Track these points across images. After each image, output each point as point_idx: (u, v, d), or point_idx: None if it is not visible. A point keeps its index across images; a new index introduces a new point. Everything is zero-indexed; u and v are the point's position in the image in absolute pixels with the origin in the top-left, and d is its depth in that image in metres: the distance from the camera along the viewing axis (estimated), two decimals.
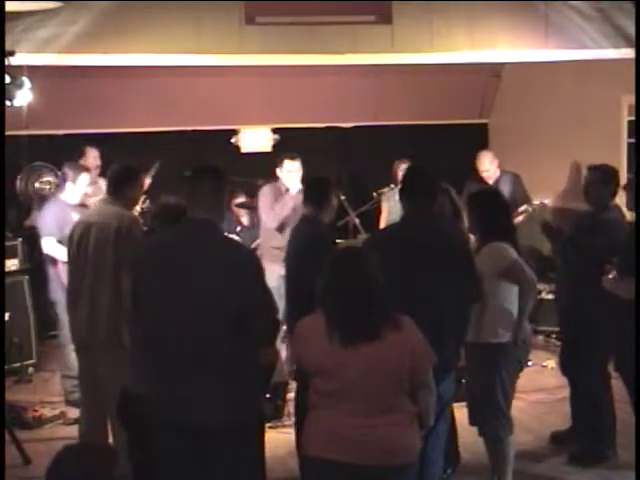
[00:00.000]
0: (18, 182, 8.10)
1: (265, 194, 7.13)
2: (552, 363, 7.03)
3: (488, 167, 7.87)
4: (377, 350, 3.34)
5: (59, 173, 8.05)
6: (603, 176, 5.26)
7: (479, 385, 4.76)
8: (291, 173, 6.98)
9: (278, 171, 7.13)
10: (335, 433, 3.37)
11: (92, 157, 7.93)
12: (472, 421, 4.85)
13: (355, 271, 3.42)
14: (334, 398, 3.38)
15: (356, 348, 3.33)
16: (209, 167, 3.95)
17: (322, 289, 3.46)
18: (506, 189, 7.53)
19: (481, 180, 7.95)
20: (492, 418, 4.73)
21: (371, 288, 3.39)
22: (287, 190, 6.97)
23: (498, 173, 7.91)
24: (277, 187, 7.10)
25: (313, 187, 5.41)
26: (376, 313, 3.38)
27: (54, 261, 6.59)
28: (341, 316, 3.38)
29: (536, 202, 7.54)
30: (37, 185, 8.12)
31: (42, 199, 7.98)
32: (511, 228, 4.94)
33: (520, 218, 7.42)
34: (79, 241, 5.06)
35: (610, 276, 4.82)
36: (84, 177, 6.66)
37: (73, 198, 6.63)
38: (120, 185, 5.12)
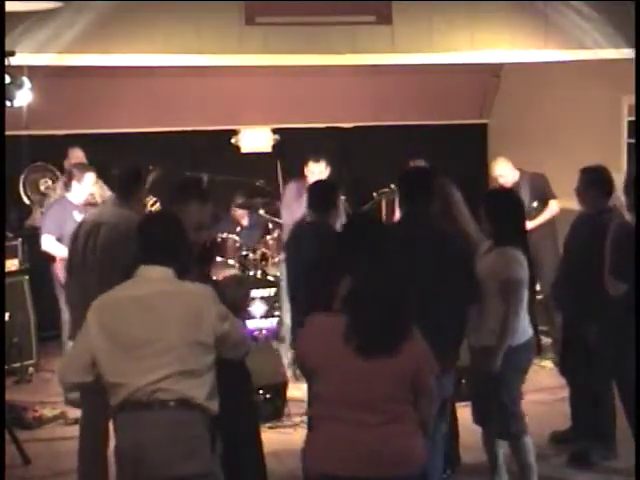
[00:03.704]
0: (21, 183, 8.15)
1: (288, 191, 7.23)
2: (549, 363, 7.09)
3: (502, 172, 7.60)
4: (390, 359, 3.23)
5: (58, 173, 8.10)
6: (591, 178, 5.25)
7: (482, 386, 4.75)
8: (314, 174, 7.00)
9: (305, 170, 7.16)
10: (343, 446, 3.25)
11: (75, 157, 7.97)
12: (476, 420, 4.85)
13: (388, 282, 3.30)
14: (339, 407, 3.26)
15: (371, 358, 3.22)
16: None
17: (349, 292, 3.31)
18: (525, 191, 7.47)
19: (500, 186, 7.76)
20: (499, 416, 4.68)
21: (402, 302, 3.28)
22: None
23: (517, 176, 7.59)
24: (301, 185, 7.12)
25: (317, 192, 5.38)
26: (401, 327, 3.28)
27: (52, 258, 6.67)
28: (364, 325, 3.24)
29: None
30: (41, 187, 8.18)
31: (43, 199, 8.04)
32: (524, 231, 4.83)
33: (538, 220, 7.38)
34: (86, 240, 4.96)
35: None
36: (90, 176, 6.71)
37: (78, 197, 6.68)
38: (130, 186, 5.03)
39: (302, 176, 7.22)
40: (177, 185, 4.53)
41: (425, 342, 3.36)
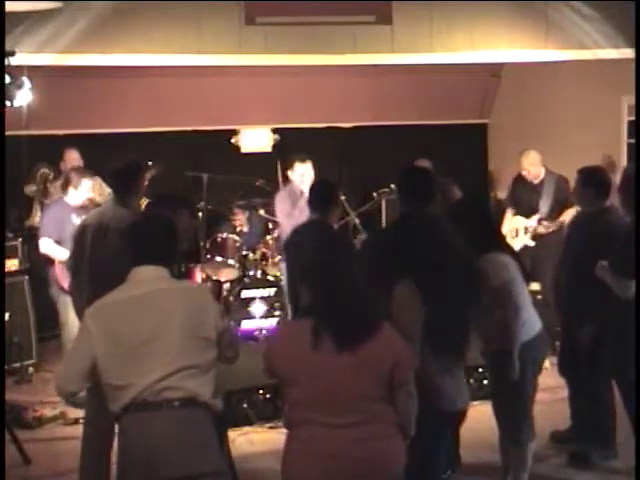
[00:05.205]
0: (28, 184, 8.19)
1: (281, 200, 7.08)
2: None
3: (528, 166, 7.60)
4: (366, 351, 3.18)
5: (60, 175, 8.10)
6: (588, 178, 5.26)
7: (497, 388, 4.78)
8: (303, 176, 6.96)
9: (290, 174, 7.11)
10: (320, 450, 3.21)
11: (70, 159, 7.96)
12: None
13: (335, 275, 3.27)
14: (315, 410, 3.21)
15: (345, 351, 3.18)
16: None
17: (309, 295, 3.30)
18: (549, 191, 7.46)
19: (524, 180, 7.74)
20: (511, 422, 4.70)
21: (354, 292, 3.24)
22: (302, 193, 6.89)
23: (542, 174, 7.61)
24: (292, 190, 7.06)
25: (317, 191, 5.38)
26: (371, 315, 3.25)
27: (51, 261, 6.66)
28: (335, 319, 3.21)
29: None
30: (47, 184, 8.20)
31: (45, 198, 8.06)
32: (500, 235, 4.87)
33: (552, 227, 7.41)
34: (93, 244, 4.83)
35: (604, 263, 4.78)
36: (86, 183, 6.68)
37: (75, 201, 6.67)
38: (131, 181, 4.92)
39: (287, 181, 7.16)
40: (163, 198, 4.56)
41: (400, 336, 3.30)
